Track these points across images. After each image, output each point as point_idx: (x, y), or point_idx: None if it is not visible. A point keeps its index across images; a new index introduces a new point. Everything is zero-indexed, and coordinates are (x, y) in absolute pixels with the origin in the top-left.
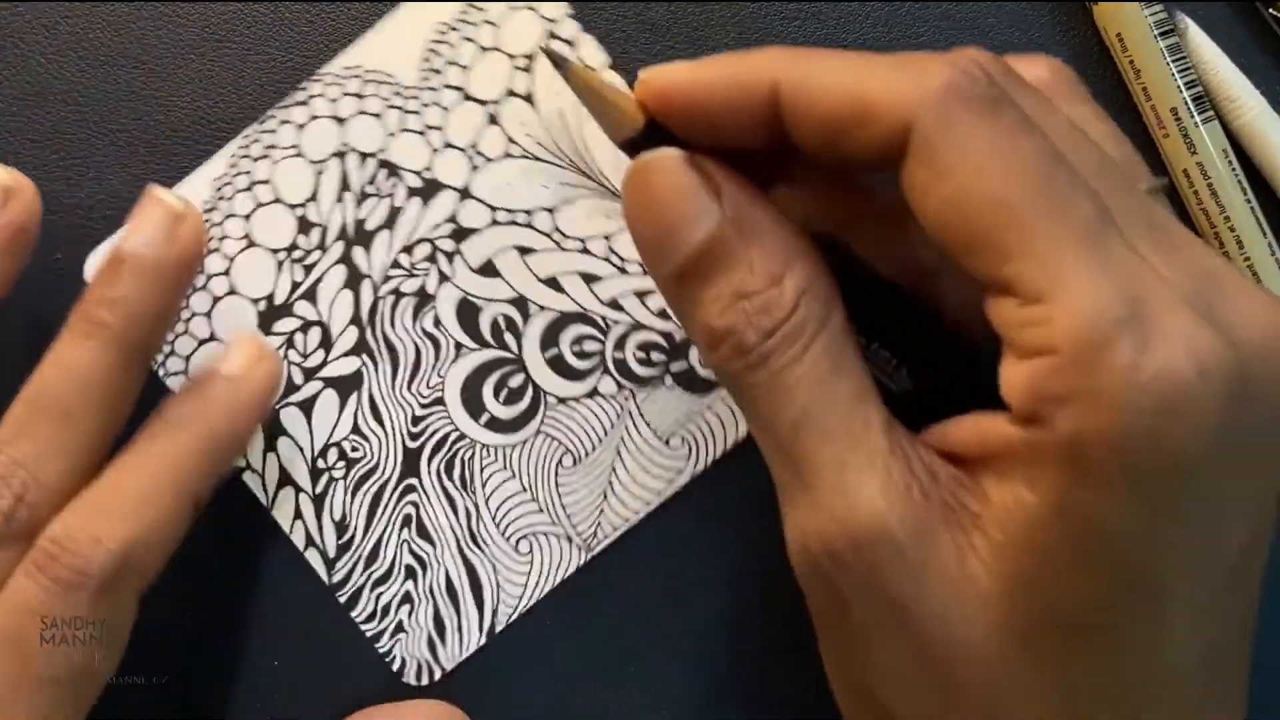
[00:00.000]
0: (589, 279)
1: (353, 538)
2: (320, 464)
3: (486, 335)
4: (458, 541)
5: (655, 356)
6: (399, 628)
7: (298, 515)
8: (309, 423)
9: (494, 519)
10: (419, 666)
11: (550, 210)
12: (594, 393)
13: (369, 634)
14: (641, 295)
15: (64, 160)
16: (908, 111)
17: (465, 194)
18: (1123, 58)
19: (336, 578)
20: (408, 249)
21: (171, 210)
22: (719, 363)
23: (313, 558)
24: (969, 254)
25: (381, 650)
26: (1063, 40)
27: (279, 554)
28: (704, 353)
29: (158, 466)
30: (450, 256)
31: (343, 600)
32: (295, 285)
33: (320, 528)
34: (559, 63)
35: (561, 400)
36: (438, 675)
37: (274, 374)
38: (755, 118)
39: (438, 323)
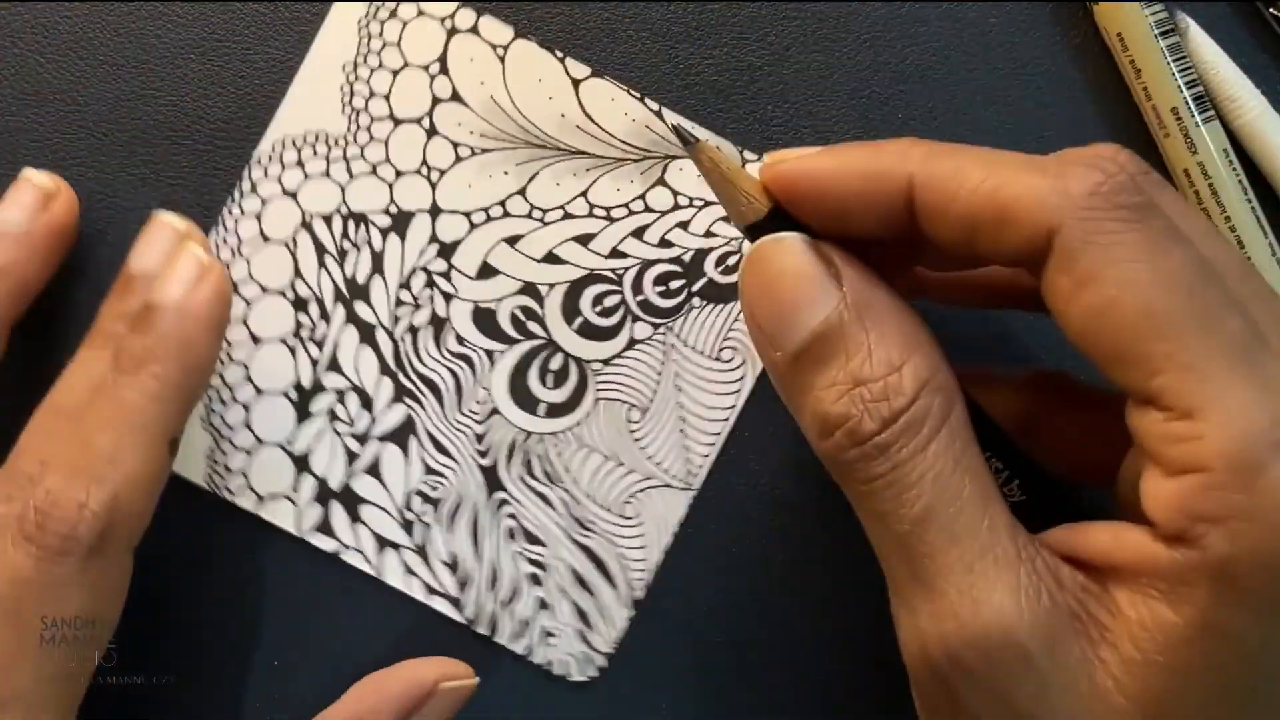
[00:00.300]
0: (583, 240)
1: (468, 570)
2: (408, 515)
3: (511, 331)
4: (566, 533)
5: (674, 285)
6: (546, 634)
7: (409, 572)
8: (383, 483)
9: (590, 498)
10: (577, 663)
11: (520, 192)
12: (631, 343)
13: (520, 651)
14: (639, 233)
15: (64, 160)
16: (1051, 217)
17: (435, 211)
18: (1123, 57)
19: (468, 613)
20: (405, 285)
21: (41, 188)
22: (832, 451)
23: (440, 605)
24: (1114, 364)
25: (539, 662)
26: (1063, 40)
27: (280, 554)
28: (815, 441)
29: (126, 417)
30: (446, 275)
31: (483, 631)
32: (315, 362)
33: (434, 573)
34: (687, 141)
35: (605, 362)
36: (601, 661)
37: (218, 289)
38: (887, 211)
39: (460, 340)
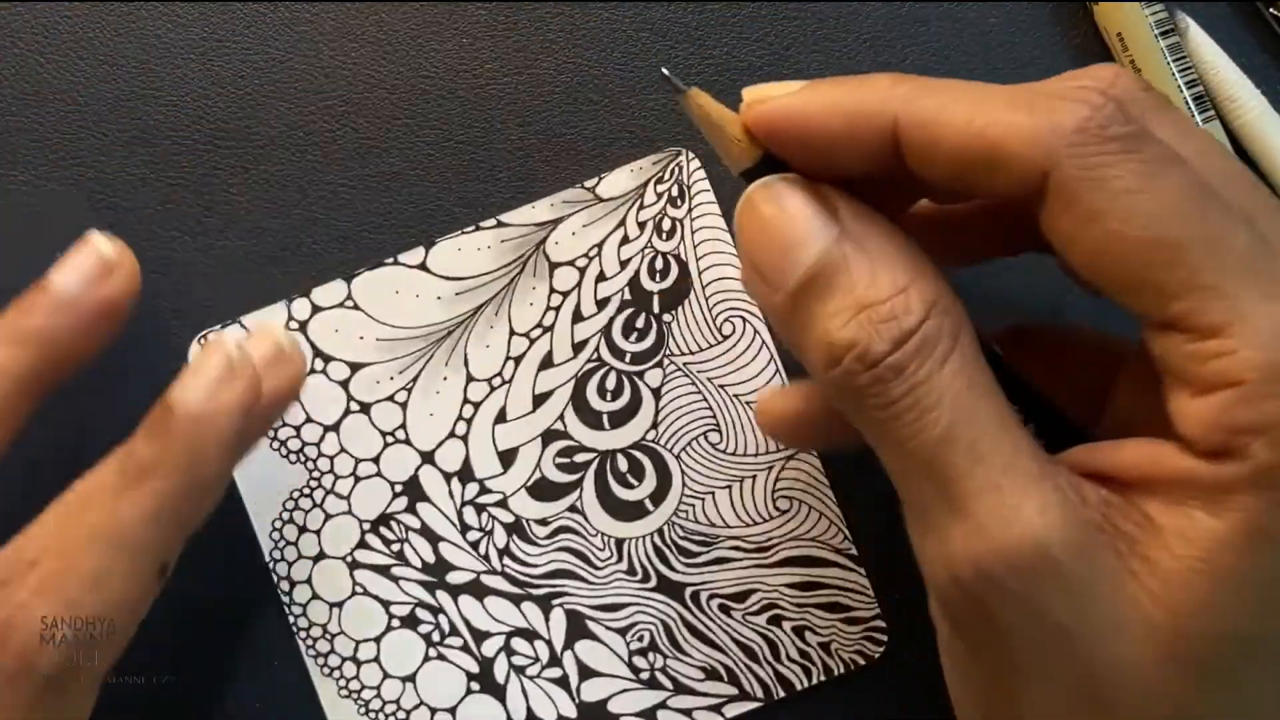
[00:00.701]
0: (545, 363)
1: (728, 664)
2: (643, 673)
3: (562, 477)
4: (760, 566)
5: (639, 323)
6: (824, 647)
7: (698, 711)
8: (609, 672)
9: (746, 523)
10: (867, 644)
11: (470, 380)
12: (657, 395)
13: (819, 679)
14: (577, 318)
15: (64, 160)
16: (1043, 158)
17: (428, 458)
18: (1123, 57)
19: (757, 694)
20: (463, 530)
21: (103, 257)
22: (842, 379)
23: (737, 709)
24: (1128, 294)
25: (838, 670)
26: (1063, 40)
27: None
28: (822, 373)
29: (117, 536)
30: (481, 490)
31: (781, 694)
32: (466, 648)
33: (714, 691)
34: (678, 90)
35: (654, 426)
36: (880, 636)
37: (245, 399)
38: (874, 151)
39: (543, 521)
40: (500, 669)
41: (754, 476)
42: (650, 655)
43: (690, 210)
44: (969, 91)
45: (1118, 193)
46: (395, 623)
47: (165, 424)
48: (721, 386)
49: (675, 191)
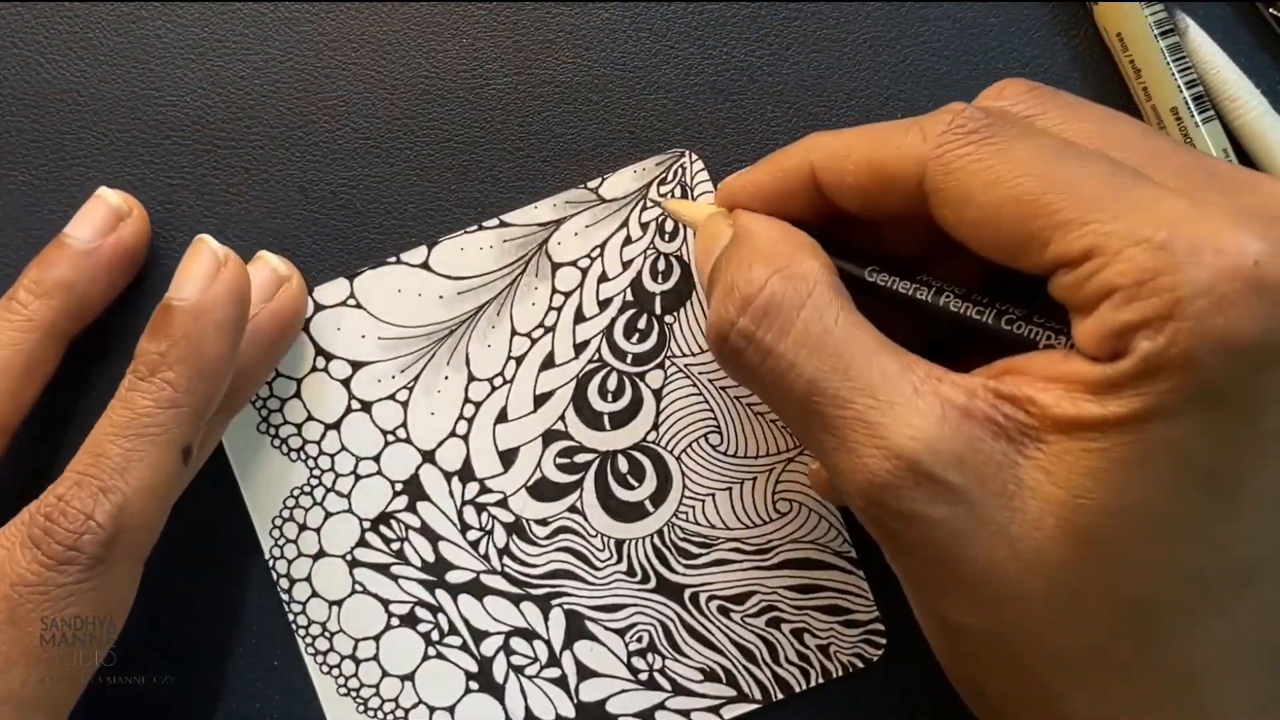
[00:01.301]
0: (546, 364)
1: (727, 665)
2: (640, 674)
3: (563, 478)
4: (759, 568)
5: (641, 324)
6: (823, 649)
7: (699, 712)
8: (608, 673)
9: (746, 524)
10: (865, 646)
11: (473, 379)
12: (658, 396)
13: (818, 681)
14: (579, 318)
15: (64, 160)
16: (916, 165)
17: (429, 457)
18: (1123, 57)
19: (755, 695)
20: (463, 530)
21: (113, 207)
22: (715, 349)
23: (735, 711)
24: (1018, 259)
25: (836, 673)
26: (1063, 40)
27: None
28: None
29: (137, 424)
30: (481, 490)
31: (780, 696)
32: (465, 647)
33: (711, 692)
34: (658, 203)
35: (655, 428)
36: (879, 638)
37: (233, 286)
38: (809, 199)
39: (542, 521)
40: (499, 668)
41: (754, 479)
42: (649, 656)
43: None
44: (867, 129)
45: (977, 172)
46: (395, 621)
47: (165, 321)
48: (723, 389)
49: (678, 192)
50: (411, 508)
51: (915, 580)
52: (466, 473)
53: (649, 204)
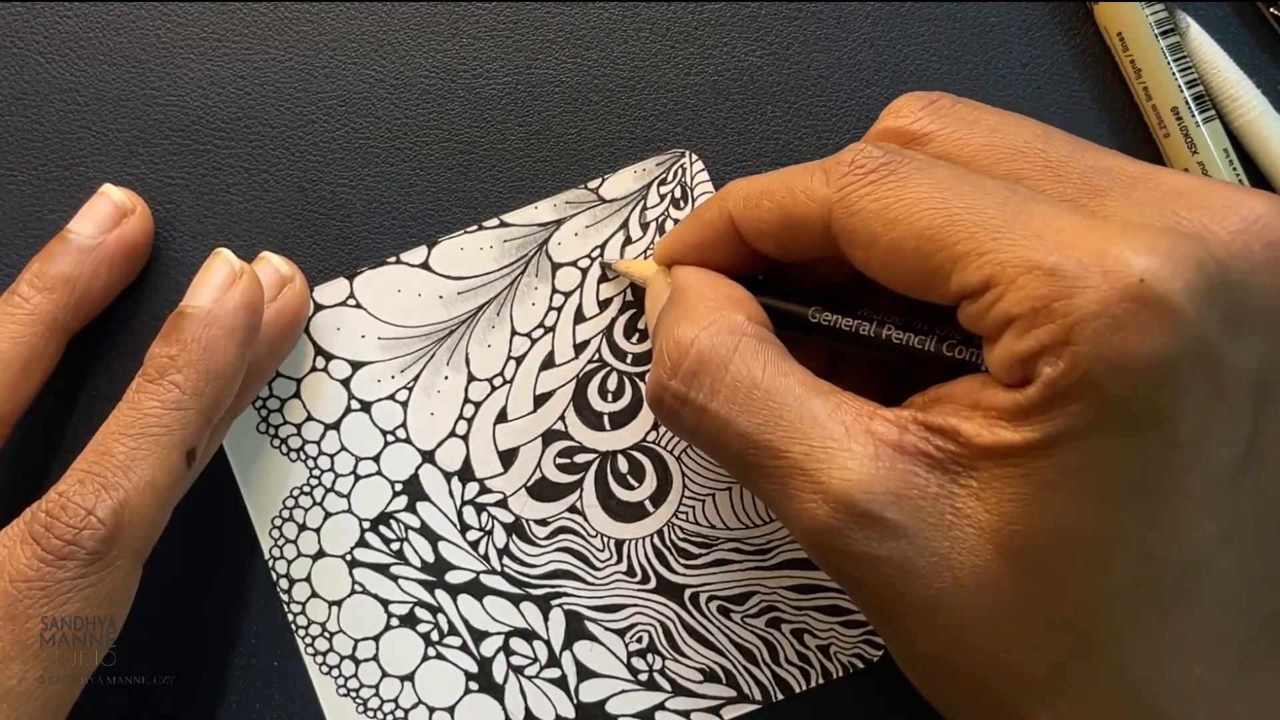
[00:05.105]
0: (547, 363)
1: (726, 666)
2: (640, 674)
3: (564, 478)
4: (759, 569)
5: (640, 323)
6: (824, 650)
7: (701, 712)
8: (608, 673)
9: (746, 524)
10: (867, 647)
11: (472, 380)
12: None
13: (819, 682)
14: (579, 317)
15: (64, 160)
16: (823, 211)
17: (429, 457)
18: (1123, 57)
19: (755, 695)
20: (463, 530)
21: (117, 204)
22: (658, 417)
23: (734, 712)
24: (928, 292)
25: (837, 673)
26: (1063, 40)
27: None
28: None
29: (142, 424)
30: (481, 490)
31: (780, 697)
32: (465, 648)
33: (711, 693)
34: (606, 269)
35: (655, 428)
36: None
37: (247, 297)
38: (736, 249)
39: (543, 522)
40: (499, 669)
41: None
42: (649, 656)
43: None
44: (777, 177)
45: (878, 212)
46: (394, 621)
47: (177, 326)
48: None
49: (678, 193)
50: (411, 508)
51: (873, 614)
52: (466, 473)
53: (643, 214)
